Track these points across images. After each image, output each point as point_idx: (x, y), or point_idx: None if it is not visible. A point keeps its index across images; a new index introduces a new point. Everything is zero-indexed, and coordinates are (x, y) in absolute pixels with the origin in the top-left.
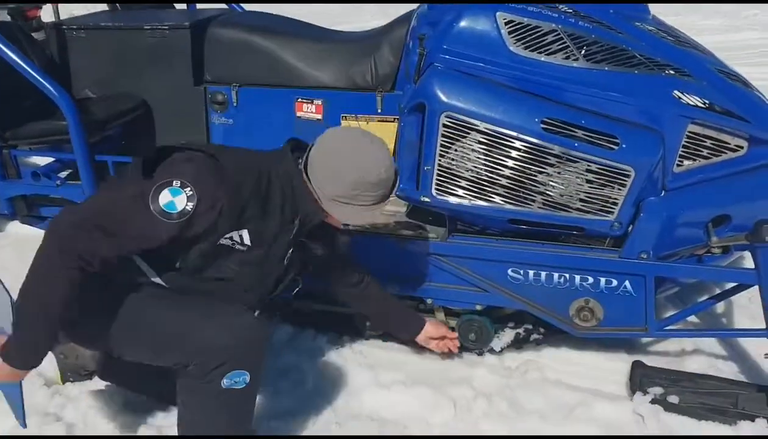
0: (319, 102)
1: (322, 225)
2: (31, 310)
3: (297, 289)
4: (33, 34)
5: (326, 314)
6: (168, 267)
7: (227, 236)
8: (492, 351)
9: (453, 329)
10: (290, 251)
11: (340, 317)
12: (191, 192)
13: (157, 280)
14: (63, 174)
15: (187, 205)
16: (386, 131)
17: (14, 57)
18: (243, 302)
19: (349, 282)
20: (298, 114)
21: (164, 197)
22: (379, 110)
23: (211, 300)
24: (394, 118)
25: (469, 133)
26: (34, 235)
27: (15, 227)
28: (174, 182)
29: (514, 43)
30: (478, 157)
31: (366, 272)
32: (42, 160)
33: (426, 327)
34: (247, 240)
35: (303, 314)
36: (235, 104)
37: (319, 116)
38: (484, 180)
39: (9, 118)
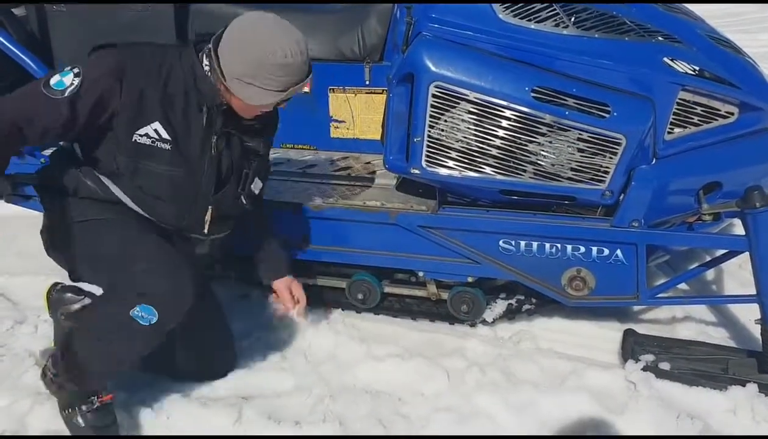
0: None
1: (243, 125)
2: None
3: (259, 191)
4: (13, 10)
5: (316, 288)
6: (112, 172)
7: (140, 132)
8: (484, 322)
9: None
10: (214, 140)
11: (331, 290)
12: (78, 70)
13: (115, 189)
14: (47, 152)
15: (73, 80)
16: (374, 103)
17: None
18: (192, 214)
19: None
20: None
21: (54, 79)
22: (367, 82)
23: (166, 247)
24: (383, 90)
25: (458, 103)
26: (18, 214)
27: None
28: (66, 68)
29: (504, 11)
30: (468, 128)
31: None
32: None
33: (287, 279)
34: (164, 133)
35: None
36: None
37: (307, 89)
38: (475, 151)
39: None
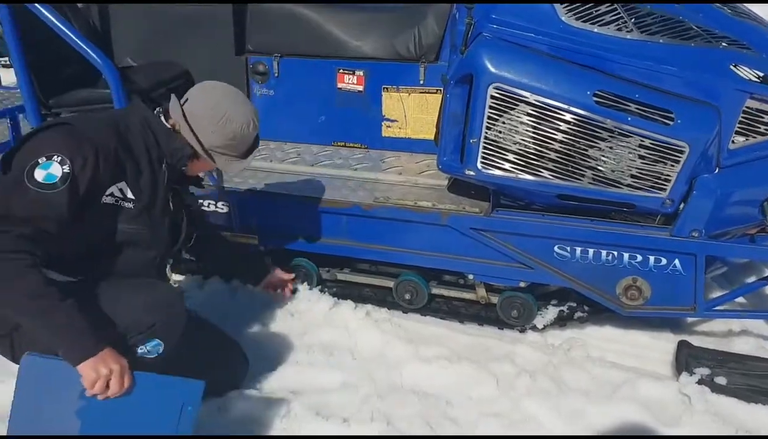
0: (361, 73)
1: (182, 175)
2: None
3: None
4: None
5: (364, 287)
6: (76, 267)
7: (108, 192)
8: (534, 328)
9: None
10: (170, 196)
11: (378, 289)
12: (60, 158)
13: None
14: None
15: (63, 168)
16: (428, 103)
17: (59, 24)
18: (149, 265)
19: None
20: (339, 85)
21: (39, 175)
22: (422, 81)
23: (137, 281)
24: (437, 90)
25: (517, 105)
26: None
27: None
28: (39, 160)
29: (566, 13)
30: (527, 130)
31: None
32: None
33: (267, 278)
34: (129, 193)
35: (339, 286)
36: (276, 75)
37: (361, 88)
38: (533, 154)
39: (52, 85)
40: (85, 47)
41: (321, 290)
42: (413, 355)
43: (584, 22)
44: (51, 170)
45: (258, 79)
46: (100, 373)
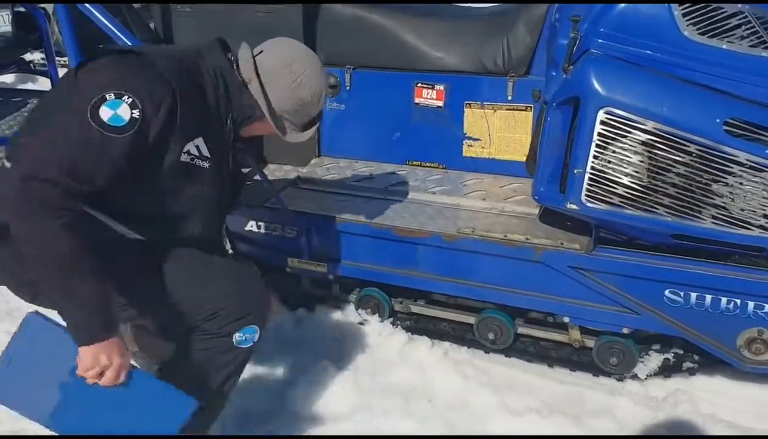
0: (441, 87)
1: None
2: (56, 276)
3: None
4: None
5: (441, 321)
6: (135, 216)
7: (185, 149)
8: (635, 377)
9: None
10: (231, 154)
11: (457, 325)
12: (130, 99)
13: (133, 235)
14: None
15: (132, 113)
16: (516, 121)
17: (110, 26)
18: (215, 227)
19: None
20: (417, 100)
21: (105, 114)
22: (510, 97)
23: (217, 261)
24: (527, 107)
25: (631, 133)
26: None
27: None
28: (107, 95)
29: (689, 27)
30: (641, 161)
31: None
32: None
33: None
34: (205, 150)
35: (413, 319)
36: (348, 88)
37: (440, 103)
38: (647, 188)
39: None
40: None
41: (393, 323)
42: (499, 404)
43: (710, 37)
44: (119, 111)
45: (328, 93)
46: (99, 361)
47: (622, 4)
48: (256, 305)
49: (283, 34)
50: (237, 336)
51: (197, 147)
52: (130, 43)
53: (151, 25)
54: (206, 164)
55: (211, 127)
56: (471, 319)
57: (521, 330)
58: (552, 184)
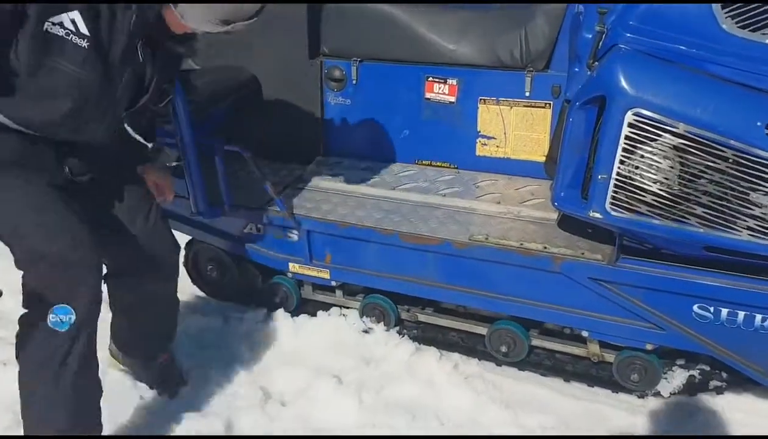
0: (454, 82)
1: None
2: None
3: (167, 100)
4: None
5: (450, 331)
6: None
7: (55, 20)
8: (657, 395)
9: None
10: (138, 45)
11: (467, 335)
12: None
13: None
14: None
15: None
16: (533, 119)
17: None
18: (98, 120)
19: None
20: (428, 95)
21: None
22: (527, 93)
23: (62, 209)
24: (545, 104)
25: (662, 136)
26: None
27: None
28: None
29: (729, 20)
30: (672, 167)
31: None
32: None
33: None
34: (83, 27)
35: (421, 328)
36: (354, 81)
37: (452, 98)
38: (678, 196)
39: None
40: None
41: (399, 333)
42: (512, 422)
43: (753, 30)
44: None
45: (333, 87)
46: None
47: None
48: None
49: (286, 22)
50: (51, 319)
51: (72, 21)
52: None
53: None
54: (83, 43)
55: (96, 6)
56: (482, 329)
57: (536, 342)
58: (573, 190)
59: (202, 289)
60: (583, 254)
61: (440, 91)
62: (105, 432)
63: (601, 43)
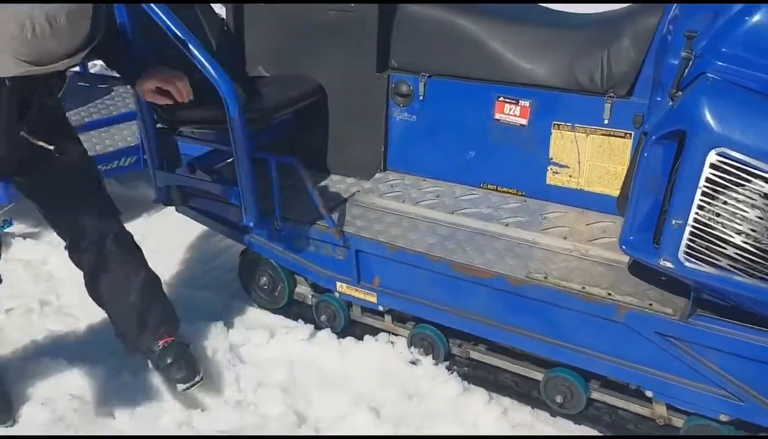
0: (527, 103)
1: None
2: None
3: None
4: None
5: (502, 372)
6: None
7: None
8: None
9: None
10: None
11: (521, 379)
12: None
13: None
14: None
15: None
16: (612, 149)
17: (172, 27)
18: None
19: None
20: (498, 116)
21: None
22: (606, 121)
23: None
24: (625, 134)
25: (750, 182)
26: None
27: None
28: None
29: None
30: (762, 218)
31: None
32: None
33: (147, 79)
34: None
35: (472, 366)
36: (421, 97)
37: (524, 121)
38: (766, 252)
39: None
40: (199, 56)
41: (448, 368)
42: None
43: None
44: None
45: (399, 102)
46: None
47: (757, 17)
48: None
49: (356, 34)
50: None
51: None
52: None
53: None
54: None
55: None
56: (538, 375)
57: (595, 395)
58: (644, 234)
59: (253, 298)
60: (651, 305)
61: (511, 113)
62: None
63: (686, 71)
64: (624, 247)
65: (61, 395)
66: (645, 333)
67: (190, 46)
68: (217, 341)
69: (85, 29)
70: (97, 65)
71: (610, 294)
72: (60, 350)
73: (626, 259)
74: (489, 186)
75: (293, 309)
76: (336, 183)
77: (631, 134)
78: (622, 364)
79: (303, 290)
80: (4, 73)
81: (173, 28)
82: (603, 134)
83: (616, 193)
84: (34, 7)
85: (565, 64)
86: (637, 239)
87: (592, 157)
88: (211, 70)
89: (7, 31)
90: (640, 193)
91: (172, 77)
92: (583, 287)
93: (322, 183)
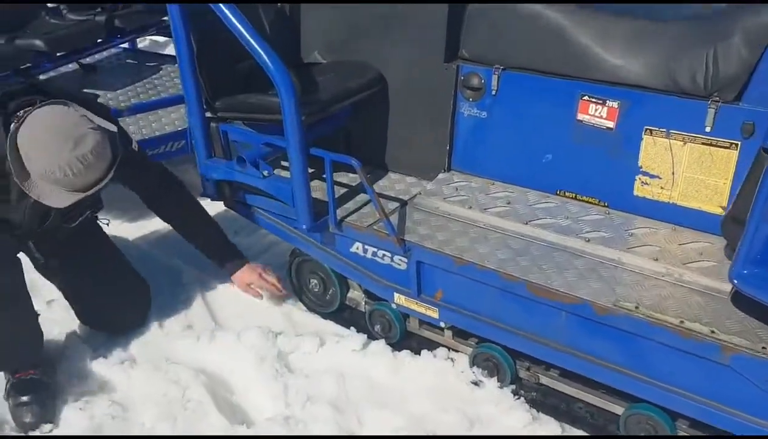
0: (615, 104)
1: None
2: None
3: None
4: None
5: (576, 402)
6: None
7: None
8: None
9: None
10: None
11: (598, 411)
12: None
13: None
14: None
15: None
16: (713, 161)
17: (226, 11)
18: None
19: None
20: (580, 117)
21: None
22: (708, 128)
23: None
24: (730, 144)
25: None
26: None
27: None
28: None
29: None
30: None
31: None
32: None
33: (243, 270)
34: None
35: (541, 392)
36: (493, 92)
37: (611, 124)
38: None
39: (221, 84)
40: (253, 42)
41: (515, 393)
42: None
43: None
44: None
45: (469, 96)
46: None
47: None
48: None
49: (424, 18)
50: None
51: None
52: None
53: None
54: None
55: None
56: (618, 408)
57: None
58: (761, 268)
59: (302, 301)
60: (764, 348)
61: (596, 114)
62: None
63: None
64: (736, 281)
65: (100, 400)
66: (755, 380)
67: (241, 29)
68: (264, 347)
69: (108, 155)
70: (146, 40)
71: (713, 331)
72: (102, 348)
73: (727, 287)
74: (567, 194)
75: (345, 315)
76: (395, 183)
77: (737, 145)
78: (720, 409)
79: (356, 295)
80: (63, 203)
81: (223, 8)
82: (703, 143)
83: (715, 210)
84: (69, 156)
85: (662, 61)
86: (752, 274)
87: (689, 169)
88: (264, 56)
89: (56, 176)
90: (757, 217)
91: (265, 280)
92: (682, 322)
93: (380, 182)
